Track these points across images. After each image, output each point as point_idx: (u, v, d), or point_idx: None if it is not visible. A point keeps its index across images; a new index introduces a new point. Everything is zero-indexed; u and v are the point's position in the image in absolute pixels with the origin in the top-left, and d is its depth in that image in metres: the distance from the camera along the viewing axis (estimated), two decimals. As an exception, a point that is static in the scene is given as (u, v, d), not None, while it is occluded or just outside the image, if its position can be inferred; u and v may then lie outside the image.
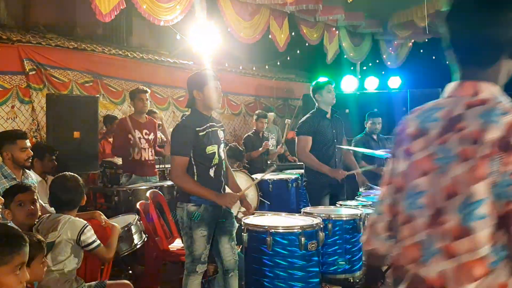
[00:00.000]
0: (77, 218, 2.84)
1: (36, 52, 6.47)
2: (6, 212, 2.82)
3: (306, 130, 4.45)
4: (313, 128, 4.43)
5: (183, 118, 3.53)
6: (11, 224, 2.71)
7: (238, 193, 3.29)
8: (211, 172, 3.22)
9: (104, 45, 7.73)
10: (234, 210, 3.42)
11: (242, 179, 4.77)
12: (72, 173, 3.06)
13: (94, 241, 2.79)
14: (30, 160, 3.68)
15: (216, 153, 3.22)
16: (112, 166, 5.57)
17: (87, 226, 2.79)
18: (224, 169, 3.35)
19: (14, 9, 7.42)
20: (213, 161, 3.22)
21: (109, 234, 3.07)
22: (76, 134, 4.88)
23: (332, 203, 4.22)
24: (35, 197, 2.86)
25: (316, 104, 4.59)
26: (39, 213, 2.92)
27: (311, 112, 4.61)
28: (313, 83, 4.65)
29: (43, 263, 2.24)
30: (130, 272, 4.38)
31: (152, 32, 8.81)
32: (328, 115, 4.52)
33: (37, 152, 4.17)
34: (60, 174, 3.07)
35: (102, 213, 3.32)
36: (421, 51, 11.25)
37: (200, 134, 3.15)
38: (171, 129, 7.34)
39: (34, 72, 6.42)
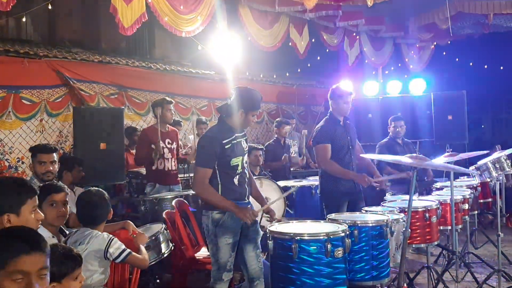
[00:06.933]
0: (104, 233, 2.85)
1: (62, 66, 6.65)
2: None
3: (323, 137, 4.37)
4: (330, 135, 4.36)
5: (210, 128, 3.59)
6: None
7: (259, 209, 3.31)
8: (235, 180, 3.29)
9: (128, 58, 7.90)
10: (258, 218, 3.43)
11: (270, 187, 4.78)
12: (97, 188, 3.08)
13: (123, 251, 2.77)
14: (50, 176, 3.68)
15: (240, 164, 3.29)
16: (138, 176, 5.67)
17: (113, 238, 2.80)
18: (248, 177, 3.39)
19: (40, 25, 7.64)
20: (237, 170, 3.28)
21: (134, 244, 3.08)
22: (103, 145, 4.97)
23: (352, 210, 4.12)
24: (67, 199, 2.87)
25: (330, 109, 4.53)
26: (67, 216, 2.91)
27: (324, 119, 4.54)
28: (334, 86, 4.56)
29: (80, 277, 2.13)
30: (158, 281, 4.42)
31: (174, 44, 8.94)
32: (341, 122, 4.47)
33: (66, 163, 4.27)
34: (86, 190, 3.10)
35: (131, 223, 3.35)
36: (444, 53, 11.08)
37: (226, 146, 3.22)
38: (194, 138, 7.40)
39: (61, 86, 6.60)
